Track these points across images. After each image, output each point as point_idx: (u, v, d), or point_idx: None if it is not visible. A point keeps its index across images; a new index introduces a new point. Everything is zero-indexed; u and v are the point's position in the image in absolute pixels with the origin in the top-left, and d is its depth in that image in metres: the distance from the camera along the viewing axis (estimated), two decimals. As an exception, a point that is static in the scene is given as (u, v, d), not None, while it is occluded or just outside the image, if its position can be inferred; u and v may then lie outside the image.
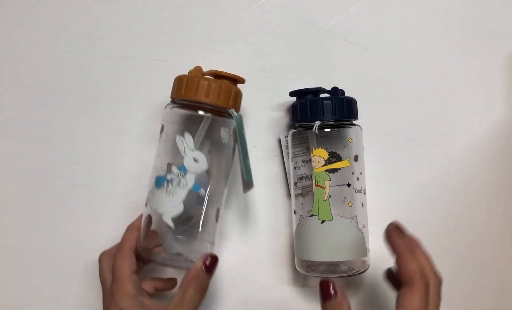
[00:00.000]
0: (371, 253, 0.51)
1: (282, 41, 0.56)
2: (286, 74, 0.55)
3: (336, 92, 0.50)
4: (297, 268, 0.51)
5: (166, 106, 0.49)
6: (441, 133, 0.56)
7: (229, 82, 0.47)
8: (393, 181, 0.55)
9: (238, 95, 0.48)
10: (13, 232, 0.55)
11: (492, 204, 0.56)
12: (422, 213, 0.56)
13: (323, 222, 0.48)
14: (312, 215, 0.48)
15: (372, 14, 0.56)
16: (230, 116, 0.47)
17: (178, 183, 0.45)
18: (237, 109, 0.48)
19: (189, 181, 0.46)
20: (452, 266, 0.56)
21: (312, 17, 0.56)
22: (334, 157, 0.48)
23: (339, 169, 0.49)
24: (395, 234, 0.42)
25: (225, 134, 0.48)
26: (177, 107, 0.48)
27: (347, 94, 0.51)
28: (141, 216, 0.49)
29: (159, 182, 0.46)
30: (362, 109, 0.50)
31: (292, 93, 0.52)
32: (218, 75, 0.47)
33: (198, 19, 0.56)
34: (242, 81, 0.49)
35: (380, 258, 0.53)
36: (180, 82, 0.47)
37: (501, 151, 0.56)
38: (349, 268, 0.50)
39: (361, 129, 0.51)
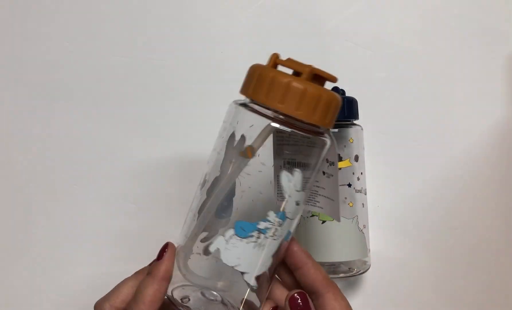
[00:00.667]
0: (371, 254, 0.51)
1: (282, 41, 0.55)
2: (287, 74, 0.55)
3: (336, 92, 0.50)
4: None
5: (238, 105, 0.35)
6: (441, 133, 0.56)
7: (320, 86, 0.34)
8: (393, 181, 0.55)
9: (337, 108, 0.34)
10: (12, 231, 0.54)
11: (492, 204, 0.56)
12: (422, 213, 0.56)
13: (323, 222, 0.48)
14: (313, 215, 0.48)
15: (372, 14, 0.56)
16: (317, 134, 0.34)
17: (274, 234, 0.34)
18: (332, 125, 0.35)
19: (285, 229, 0.34)
20: (453, 266, 0.56)
21: (313, 17, 0.56)
22: (334, 157, 0.48)
23: (340, 169, 0.48)
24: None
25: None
26: (254, 112, 0.33)
27: (347, 94, 0.51)
28: (163, 261, 0.35)
29: (246, 231, 0.33)
30: (362, 109, 0.50)
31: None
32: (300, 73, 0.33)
33: (198, 19, 0.56)
34: (333, 80, 0.35)
35: (381, 258, 0.53)
36: (260, 79, 0.33)
37: (501, 151, 0.56)
38: (349, 268, 0.49)
39: (362, 129, 0.51)
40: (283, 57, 0.55)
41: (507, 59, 0.57)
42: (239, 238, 0.33)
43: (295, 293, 0.36)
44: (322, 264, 0.49)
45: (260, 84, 0.32)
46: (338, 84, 0.50)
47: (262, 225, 0.33)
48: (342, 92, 0.50)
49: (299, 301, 0.35)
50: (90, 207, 0.54)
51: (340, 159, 0.49)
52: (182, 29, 0.55)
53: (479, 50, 0.57)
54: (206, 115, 0.54)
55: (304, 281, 0.37)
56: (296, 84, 0.32)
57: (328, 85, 0.51)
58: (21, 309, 0.54)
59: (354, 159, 0.49)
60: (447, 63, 0.57)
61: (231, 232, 0.33)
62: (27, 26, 0.55)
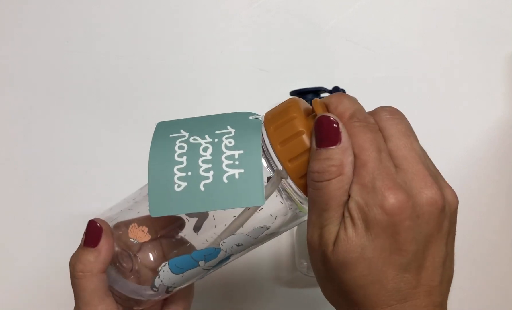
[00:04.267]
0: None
1: (282, 40, 0.55)
2: (287, 74, 0.55)
3: (337, 91, 0.50)
4: (297, 268, 0.51)
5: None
6: (441, 133, 0.56)
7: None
8: (393, 181, 0.55)
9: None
10: (12, 232, 0.54)
11: (492, 204, 0.56)
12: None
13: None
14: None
15: (373, 14, 0.56)
16: None
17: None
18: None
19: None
20: (453, 266, 0.55)
21: (313, 16, 0.56)
22: (335, 157, 0.48)
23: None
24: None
25: None
26: None
27: (348, 94, 0.51)
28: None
29: (183, 268, 0.33)
30: (363, 109, 0.50)
31: (293, 93, 0.51)
32: None
33: (198, 18, 0.56)
34: None
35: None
36: (282, 112, 0.29)
37: (501, 151, 0.56)
38: (350, 268, 0.49)
39: (362, 129, 0.51)
40: (284, 56, 0.56)
41: (507, 59, 0.57)
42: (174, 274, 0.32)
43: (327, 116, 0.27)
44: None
45: (278, 117, 0.28)
46: (339, 84, 0.51)
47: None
48: (342, 91, 0.50)
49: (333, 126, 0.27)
50: (90, 207, 0.54)
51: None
52: (182, 29, 0.55)
53: (479, 50, 0.57)
54: (205, 114, 0.54)
55: None
56: (306, 137, 0.27)
57: (329, 85, 0.51)
58: (18, 307, 0.54)
59: (355, 158, 0.49)
60: (447, 63, 0.56)
61: (166, 267, 0.32)
62: (27, 26, 0.55)
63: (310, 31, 0.56)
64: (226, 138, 0.28)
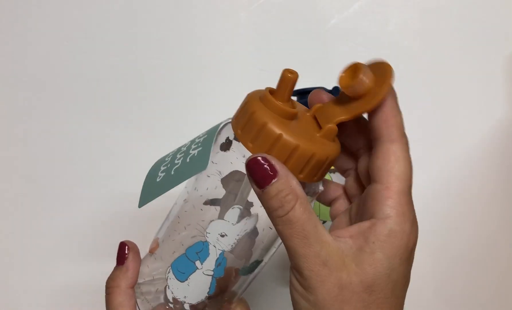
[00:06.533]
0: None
1: (282, 41, 0.55)
2: (287, 74, 0.55)
3: (337, 91, 0.50)
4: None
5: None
6: (441, 134, 0.56)
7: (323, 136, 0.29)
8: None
9: (333, 161, 0.29)
10: (11, 232, 0.54)
11: (492, 204, 0.56)
12: (422, 213, 0.55)
13: (324, 222, 0.48)
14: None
15: (373, 14, 0.56)
16: None
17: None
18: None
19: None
20: (452, 266, 0.55)
21: (313, 16, 0.56)
22: (335, 157, 0.48)
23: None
24: None
25: None
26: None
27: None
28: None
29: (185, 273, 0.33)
30: (363, 109, 0.50)
31: (293, 93, 0.51)
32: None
33: (198, 18, 0.56)
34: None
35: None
36: (243, 112, 0.28)
37: (501, 152, 0.56)
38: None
39: (362, 129, 0.51)
40: (284, 56, 0.56)
41: (507, 59, 0.57)
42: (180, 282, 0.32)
43: (256, 159, 0.27)
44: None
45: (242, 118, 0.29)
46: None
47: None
48: (342, 92, 0.50)
49: (264, 167, 0.26)
50: (90, 208, 0.54)
51: (341, 159, 0.48)
52: (182, 29, 0.55)
53: (480, 50, 0.57)
54: (206, 115, 0.54)
55: (381, 124, 0.29)
56: (287, 137, 0.26)
57: (329, 85, 0.51)
58: (19, 308, 0.54)
59: (355, 158, 0.49)
60: (447, 63, 0.57)
61: (171, 274, 0.32)
62: (27, 26, 0.55)
63: (310, 31, 0.56)
64: (201, 136, 0.32)
